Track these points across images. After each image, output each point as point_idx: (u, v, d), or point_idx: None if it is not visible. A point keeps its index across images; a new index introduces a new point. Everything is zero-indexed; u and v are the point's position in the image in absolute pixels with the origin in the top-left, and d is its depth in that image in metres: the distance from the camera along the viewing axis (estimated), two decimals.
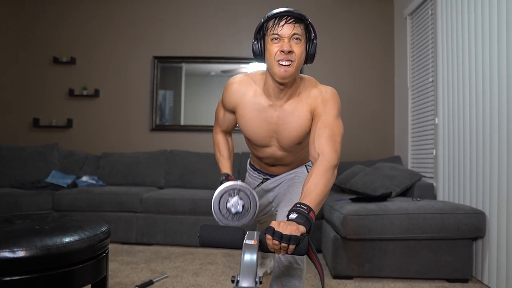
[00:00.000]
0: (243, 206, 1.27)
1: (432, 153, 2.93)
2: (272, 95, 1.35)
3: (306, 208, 1.05)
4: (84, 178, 3.55)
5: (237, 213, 1.26)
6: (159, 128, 4.09)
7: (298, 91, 1.37)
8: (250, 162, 1.77)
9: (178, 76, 4.14)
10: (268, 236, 0.95)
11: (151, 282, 2.13)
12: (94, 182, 3.53)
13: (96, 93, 4.11)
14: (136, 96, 4.14)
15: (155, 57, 4.12)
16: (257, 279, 0.78)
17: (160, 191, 3.33)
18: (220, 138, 1.60)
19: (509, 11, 1.97)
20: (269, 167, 1.61)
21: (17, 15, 4.23)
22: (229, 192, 1.28)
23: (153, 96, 4.10)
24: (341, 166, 3.60)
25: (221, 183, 1.35)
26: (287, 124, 1.37)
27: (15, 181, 3.49)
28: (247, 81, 1.41)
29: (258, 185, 1.70)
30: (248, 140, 1.52)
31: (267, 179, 1.67)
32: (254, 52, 1.31)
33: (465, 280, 2.21)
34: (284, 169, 1.61)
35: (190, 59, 4.11)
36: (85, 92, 4.09)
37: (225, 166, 1.53)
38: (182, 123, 4.09)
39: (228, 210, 1.26)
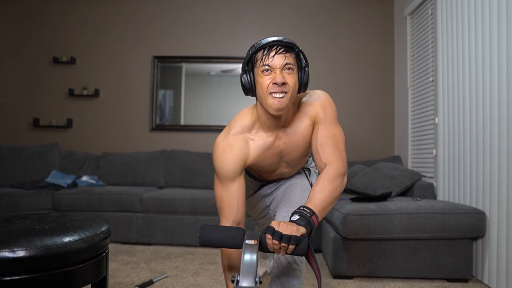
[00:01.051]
0: None
1: (432, 153, 2.93)
2: (271, 128, 1.27)
3: (309, 211, 1.06)
4: (84, 178, 3.55)
5: None
6: (159, 128, 4.09)
7: (294, 110, 1.31)
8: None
9: (178, 76, 4.14)
10: (268, 236, 0.95)
11: (151, 282, 2.13)
12: (94, 182, 3.53)
13: (96, 93, 4.11)
14: (136, 96, 4.14)
15: (155, 57, 4.12)
16: (257, 279, 0.78)
17: (160, 191, 3.33)
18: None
19: (509, 11, 1.97)
20: (270, 177, 1.57)
21: (17, 15, 4.23)
22: None
23: (153, 96, 4.10)
24: None
25: None
26: (293, 145, 1.32)
27: (15, 181, 3.49)
28: (238, 134, 1.28)
29: (255, 191, 1.69)
30: (260, 171, 1.47)
31: (264, 185, 1.65)
32: (243, 85, 1.21)
33: (465, 280, 2.21)
34: (284, 176, 1.58)
35: (190, 59, 4.11)
36: (85, 92, 4.09)
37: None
38: (182, 123, 4.09)
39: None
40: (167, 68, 4.16)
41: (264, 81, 1.14)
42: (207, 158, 3.70)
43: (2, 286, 0.95)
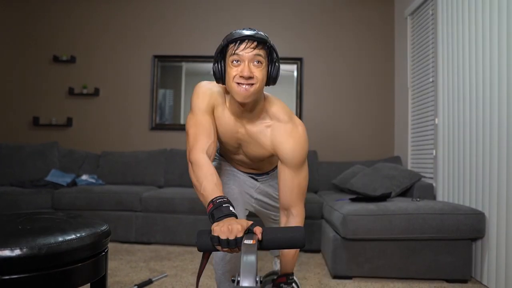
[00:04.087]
0: None
1: (432, 154, 2.93)
2: (235, 113, 1.33)
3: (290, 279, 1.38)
4: (84, 177, 3.55)
5: None
6: (159, 127, 4.09)
7: (262, 116, 1.33)
8: (226, 160, 1.69)
9: (178, 75, 4.14)
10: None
11: (150, 281, 2.13)
12: (93, 181, 3.53)
13: (96, 92, 4.11)
14: (136, 95, 4.13)
15: (155, 56, 4.11)
16: (257, 279, 0.78)
17: (159, 190, 3.33)
18: (205, 160, 1.19)
19: (509, 11, 1.97)
20: (240, 166, 1.61)
21: (17, 14, 4.23)
22: None
23: (153, 95, 4.10)
24: (341, 166, 3.61)
25: (219, 207, 1.02)
26: (250, 143, 1.37)
27: (15, 180, 3.49)
28: (219, 87, 1.37)
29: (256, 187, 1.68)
30: (221, 143, 1.50)
31: (254, 178, 1.64)
32: (214, 73, 1.26)
33: (464, 281, 2.21)
34: (254, 171, 1.61)
35: (190, 58, 4.10)
36: (85, 91, 4.09)
37: (217, 191, 1.11)
38: (182, 122, 4.09)
39: None
40: (167, 67, 4.16)
41: (233, 72, 1.19)
42: None
43: (2, 285, 0.95)
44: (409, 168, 3.42)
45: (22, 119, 4.18)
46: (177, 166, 3.72)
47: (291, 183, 1.34)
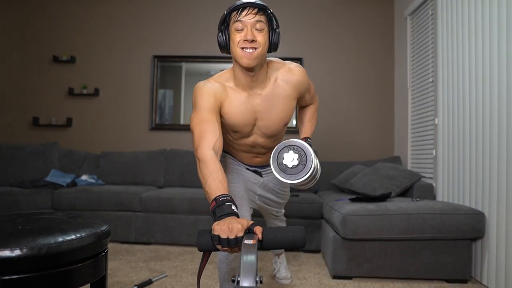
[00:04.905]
0: (298, 160, 1.24)
1: (432, 154, 2.93)
2: (246, 86, 1.38)
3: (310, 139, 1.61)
4: (84, 177, 3.55)
5: (293, 167, 1.24)
6: (158, 127, 4.09)
7: (269, 75, 1.41)
8: (231, 157, 1.68)
9: (178, 76, 4.14)
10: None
11: (150, 282, 2.13)
12: (93, 181, 3.53)
13: (96, 92, 4.11)
14: (136, 95, 4.13)
15: (155, 56, 4.11)
16: (257, 279, 0.78)
17: (159, 190, 3.33)
18: (211, 157, 1.18)
19: (509, 11, 1.97)
20: (246, 157, 1.61)
21: (17, 14, 4.23)
22: (285, 148, 1.26)
23: (153, 95, 4.10)
24: (341, 166, 3.61)
25: (221, 205, 1.03)
26: (272, 108, 1.42)
27: (15, 180, 3.49)
28: (217, 82, 1.41)
29: (260, 183, 1.68)
30: (230, 133, 1.50)
31: (258, 172, 1.65)
32: (219, 43, 1.34)
33: (464, 281, 2.21)
34: (261, 160, 1.62)
35: (190, 58, 4.10)
36: (85, 91, 4.09)
37: (221, 189, 1.09)
38: (181, 122, 4.09)
39: (285, 165, 1.24)
40: (167, 68, 4.16)
41: (236, 37, 1.27)
42: None
43: (2, 285, 0.95)
44: (409, 168, 3.42)
45: (22, 119, 4.18)
46: (177, 166, 3.72)
47: (309, 96, 1.59)
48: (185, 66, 4.14)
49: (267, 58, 1.42)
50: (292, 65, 1.46)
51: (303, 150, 1.26)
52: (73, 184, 3.46)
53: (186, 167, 3.69)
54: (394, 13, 3.99)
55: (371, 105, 3.97)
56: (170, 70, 4.15)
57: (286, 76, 1.42)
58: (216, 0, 4.12)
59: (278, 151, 1.27)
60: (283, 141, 1.30)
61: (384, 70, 3.98)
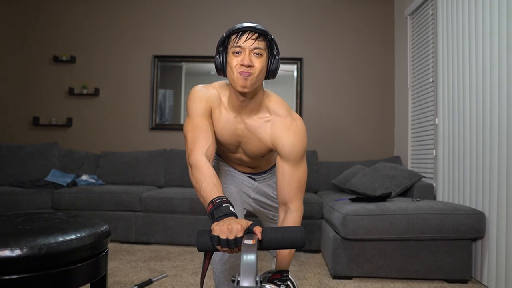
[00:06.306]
0: None
1: (432, 154, 2.93)
2: (235, 108, 1.34)
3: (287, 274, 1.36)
4: (84, 177, 3.55)
5: None
6: (159, 127, 4.09)
7: (261, 108, 1.35)
8: (224, 161, 1.69)
9: (178, 75, 4.14)
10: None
11: (150, 282, 2.13)
12: (93, 181, 3.53)
13: (96, 92, 4.11)
14: (136, 95, 4.13)
15: (155, 56, 4.11)
16: (257, 279, 0.78)
17: (159, 190, 3.33)
18: (204, 162, 1.19)
19: (509, 11, 1.97)
20: (238, 166, 1.62)
21: (17, 14, 4.23)
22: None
23: (153, 95, 4.10)
24: (341, 166, 3.62)
25: (218, 207, 1.03)
26: (250, 139, 1.38)
27: (15, 180, 3.49)
28: (215, 89, 1.39)
29: (253, 187, 1.68)
30: (220, 144, 1.50)
31: (252, 177, 1.65)
32: (216, 65, 1.30)
33: (464, 281, 2.21)
34: (252, 170, 1.62)
35: (190, 58, 4.10)
36: (85, 91, 4.09)
37: (217, 192, 1.10)
38: (182, 122, 4.08)
39: None
40: (167, 68, 4.16)
41: (234, 62, 1.23)
42: None
43: (2, 285, 0.95)
44: (409, 168, 3.42)
45: (22, 119, 4.18)
46: (177, 166, 3.72)
47: (289, 178, 1.35)
48: (185, 66, 4.14)
49: (270, 95, 1.38)
50: (295, 123, 1.33)
51: None
52: (73, 184, 3.47)
53: (186, 167, 3.69)
54: (394, 13, 3.99)
55: (371, 105, 3.97)
56: (170, 70, 4.15)
57: (277, 126, 1.33)
58: (216, 0, 4.12)
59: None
60: None
61: (384, 70, 3.98)
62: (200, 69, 4.15)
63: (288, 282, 1.35)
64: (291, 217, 1.37)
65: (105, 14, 4.19)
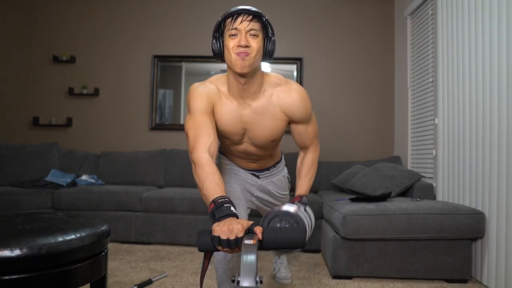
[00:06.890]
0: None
1: (432, 154, 2.93)
2: (237, 94, 1.36)
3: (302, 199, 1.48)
4: (84, 177, 3.55)
5: None
6: (158, 127, 4.09)
7: (263, 88, 1.37)
8: (227, 158, 1.68)
9: (178, 75, 4.14)
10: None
11: (150, 282, 2.13)
12: (93, 181, 3.53)
13: (96, 92, 4.11)
14: (136, 95, 4.13)
15: (155, 56, 4.11)
16: (257, 279, 0.78)
17: (159, 190, 3.33)
18: (207, 159, 1.18)
19: (509, 11, 1.97)
20: (241, 161, 1.61)
21: (17, 14, 4.23)
22: (275, 219, 1.24)
23: (153, 95, 4.10)
24: (341, 166, 3.61)
25: (220, 207, 1.02)
26: (259, 122, 1.39)
27: (15, 180, 3.49)
28: (212, 84, 1.41)
29: (257, 185, 1.68)
30: (221, 138, 1.51)
31: (255, 174, 1.64)
32: (213, 50, 1.32)
33: (464, 281, 2.21)
34: (256, 166, 1.62)
35: (190, 58, 4.10)
36: (85, 91, 4.09)
37: (219, 191, 1.10)
38: (181, 122, 4.08)
39: None
40: (167, 67, 4.15)
41: (230, 44, 1.25)
42: None
43: (2, 285, 0.95)
44: (409, 168, 3.42)
45: (22, 119, 4.18)
46: (177, 166, 3.72)
47: (306, 133, 1.49)
48: (185, 66, 4.14)
49: (267, 72, 1.40)
50: (294, 85, 1.39)
51: (296, 222, 1.22)
52: (73, 184, 3.46)
53: (186, 167, 3.69)
54: (394, 13, 3.99)
55: (371, 105, 3.97)
56: (170, 70, 4.15)
57: (282, 95, 1.37)
58: (216, 0, 4.12)
59: (268, 220, 1.23)
60: (274, 209, 1.29)
61: (384, 70, 3.98)
62: (200, 69, 4.15)
63: (307, 207, 1.43)
64: (310, 156, 1.57)
65: (105, 14, 4.19)
